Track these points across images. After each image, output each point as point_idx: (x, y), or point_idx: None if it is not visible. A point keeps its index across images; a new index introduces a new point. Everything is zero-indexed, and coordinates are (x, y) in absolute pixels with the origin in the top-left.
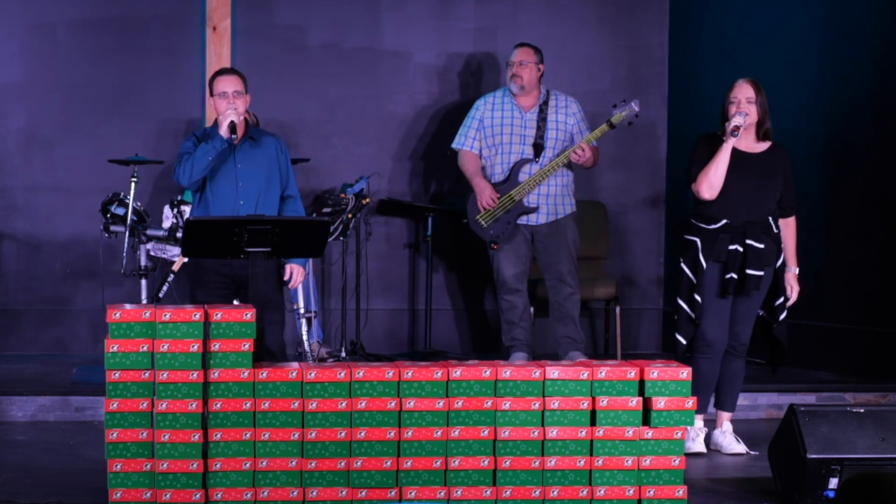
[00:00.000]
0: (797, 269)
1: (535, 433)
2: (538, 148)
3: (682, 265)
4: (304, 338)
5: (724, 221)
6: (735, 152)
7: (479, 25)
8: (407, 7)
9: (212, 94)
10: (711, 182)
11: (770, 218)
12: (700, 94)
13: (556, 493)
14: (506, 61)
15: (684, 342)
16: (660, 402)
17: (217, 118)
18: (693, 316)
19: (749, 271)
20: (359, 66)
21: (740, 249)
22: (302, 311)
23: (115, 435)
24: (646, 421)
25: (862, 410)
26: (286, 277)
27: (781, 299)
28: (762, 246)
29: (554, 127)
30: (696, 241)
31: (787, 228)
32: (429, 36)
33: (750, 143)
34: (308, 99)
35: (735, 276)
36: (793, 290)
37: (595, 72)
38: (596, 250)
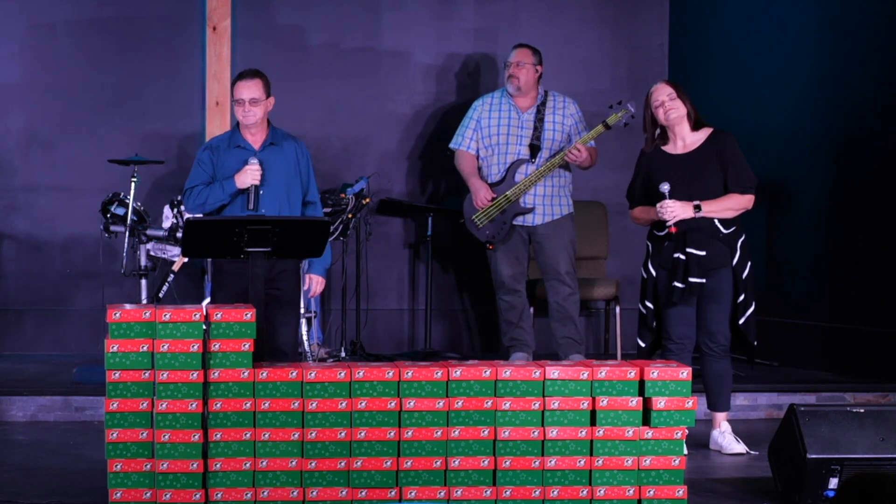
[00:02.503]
0: (699, 207)
1: (535, 433)
2: (534, 149)
3: (641, 269)
4: (304, 338)
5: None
6: (665, 157)
7: (479, 26)
8: (407, 7)
9: (232, 98)
10: (638, 223)
11: (716, 220)
12: (700, 94)
13: (556, 493)
14: (504, 61)
15: (643, 345)
16: (660, 402)
17: (238, 125)
18: (648, 318)
19: (690, 279)
20: (359, 66)
21: (682, 258)
22: (302, 311)
23: (115, 435)
24: (646, 421)
25: (862, 410)
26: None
27: (742, 297)
28: (703, 253)
29: (551, 128)
30: (649, 247)
31: (733, 197)
32: (428, 36)
33: (685, 140)
34: (308, 99)
35: (680, 284)
36: (668, 206)
37: (595, 72)
38: (596, 250)
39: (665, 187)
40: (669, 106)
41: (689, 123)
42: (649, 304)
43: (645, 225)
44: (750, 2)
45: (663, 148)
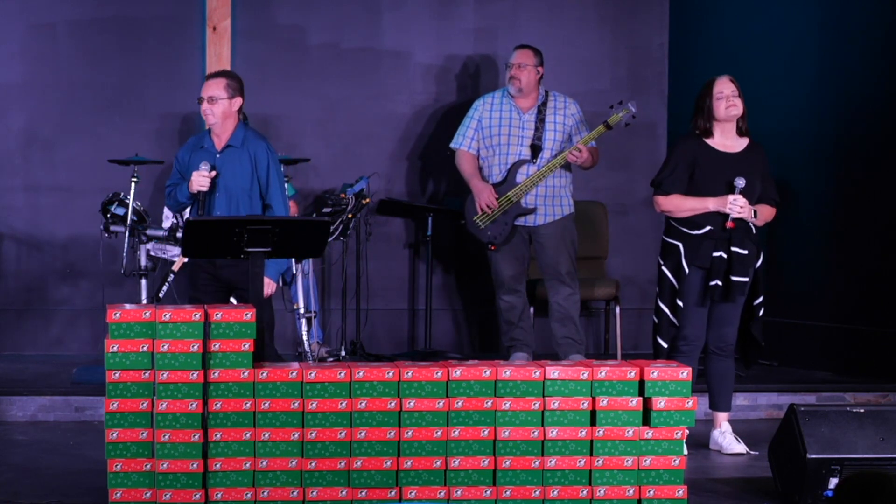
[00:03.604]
0: (756, 213)
1: (535, 433)
2: (535, 149)
3: (664, 269)
4: (304, 338)
5: (707, 228)
6: (715, 152)
7: (479, 26)
8: (407, 7)
9: None
10: (675, 215)
11: (749, 222)
12: None
13: (556, 493)
14: (505, 62)
15: (665, 345)
16: (660, 402)
17: (206, 125)
18: (675, 320)
19: (734, 278)
20: (359, 66)
21: (725, 256)
22: (302, 311)
23: (115, 435)
24: (646, 421)
25: (862, 410)
26: None
27: (760, 299)
28: (746, 252)
29: (552, 128)
30: (678, 246)
31: (767, 208)
32: (428, 36)
33: (729, 141)
34: (308, 99)
35: (720, 282)
36: (741, 201)
37: (595, 72)
38: (596, 250)
39: (741, 182)
40: (734, 102)
41: (737, 127)
42: (679, 303)
43: (678, 214)
44: (750, 2)
45: (708, 142)
